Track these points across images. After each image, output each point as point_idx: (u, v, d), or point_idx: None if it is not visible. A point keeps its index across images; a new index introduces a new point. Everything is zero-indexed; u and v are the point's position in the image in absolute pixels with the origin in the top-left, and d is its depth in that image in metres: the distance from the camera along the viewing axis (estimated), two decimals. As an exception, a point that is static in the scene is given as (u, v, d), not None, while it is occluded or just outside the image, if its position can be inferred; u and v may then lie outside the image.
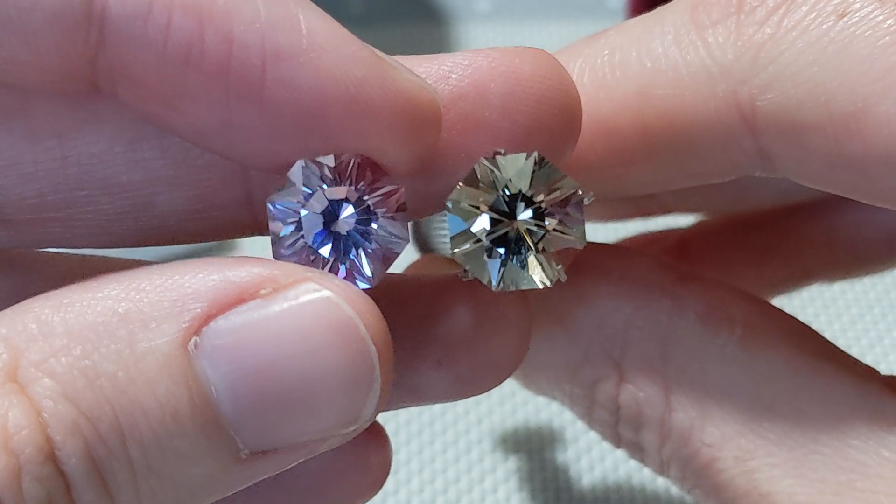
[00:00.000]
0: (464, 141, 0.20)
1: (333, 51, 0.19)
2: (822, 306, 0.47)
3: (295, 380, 0.18)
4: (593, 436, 0.42)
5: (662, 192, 0.31)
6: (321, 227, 0.20)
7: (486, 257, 0.20)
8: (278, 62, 0.18)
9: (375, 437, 0.24)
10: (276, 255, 0.20)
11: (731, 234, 0.33)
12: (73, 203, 0.21)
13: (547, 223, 0.20)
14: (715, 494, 0.24)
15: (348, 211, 0.20)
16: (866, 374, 0.23)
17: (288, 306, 0.18)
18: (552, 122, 0.21)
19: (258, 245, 0.20)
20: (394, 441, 0.37)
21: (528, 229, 0.20)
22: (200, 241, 0.22)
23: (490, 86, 0.20)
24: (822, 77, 0.20)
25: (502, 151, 0.20)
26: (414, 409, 0.42)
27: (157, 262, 0.19)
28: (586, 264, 0.25)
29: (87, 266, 0.23)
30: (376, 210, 0.20)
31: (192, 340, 0.18)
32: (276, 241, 0.20)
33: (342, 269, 0.20)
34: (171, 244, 0.22)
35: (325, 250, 0.20)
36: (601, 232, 0.44)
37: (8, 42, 0.18)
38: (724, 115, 0.22)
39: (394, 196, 0.20)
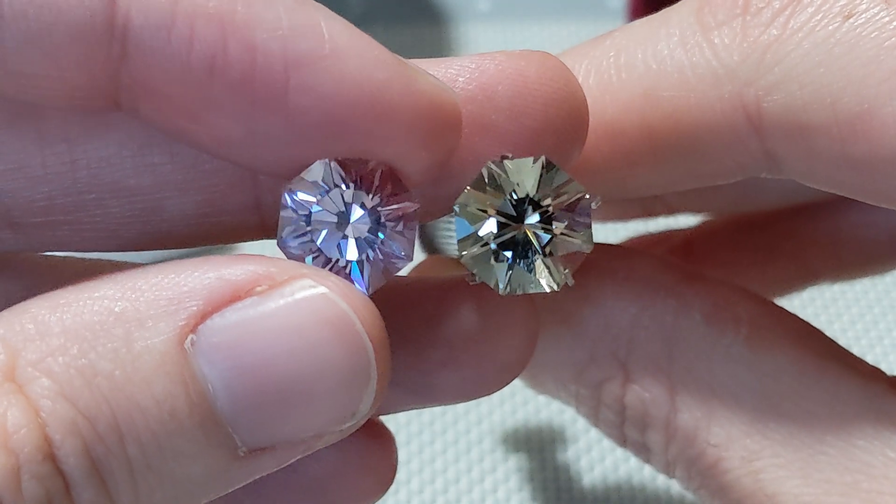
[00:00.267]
0: (471, 144, 0.20)
1: (356, 55, 0.19)
2: (822, 306, 0.47)
3: (292, 376, 0.18)
4: (593, 436, 0.42)
5: (667, 193, 0.31)
6: (330, 227, 0.20)
7: (493, 261, 0.20)
8: (301, 68, 0.18)
9: (381, 438, 0.24)
10: (280, 244, 0.20)
11: (735, 235, 0.33)
12: (82, 207, 0.21)
13: (554, 227, 0.20)
14: (721, 495, 0.24)
15: (360, 217, 0.20)
16: (872, 374, 0.23)
17: (284, 303, 0.18)
18: (559, 125, 0.21)
19: (265, 250, 0.20)
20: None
21: (535, 233, 0.20)
22: (208, 245, 0.22)
23: (497, 89, 0.20)
24: (828, 78, 0.20)
25: (510, 155, 0.20)
26: (414, 410, 0.42)
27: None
28: (592, 264, 0.25)
29: (94, 270, 0.23)
30: (386, 223, 0.20)
31: (189, 338, 0.18)
32: (284, 230, 0.20)
33: (341, 273, 0.20)
34: (179, 248, 0.22)
35: (328, 249, 0.20)
36: (605, 232, 0.44)
37: (30, 57, 0.18)
38: (729, 116, 0.22)
39: (407, 213, 0.20)
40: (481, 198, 0.20)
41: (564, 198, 0.20)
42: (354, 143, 0.19)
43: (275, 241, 0.20)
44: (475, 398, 0.23)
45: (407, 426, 0.42)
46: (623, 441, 0.26)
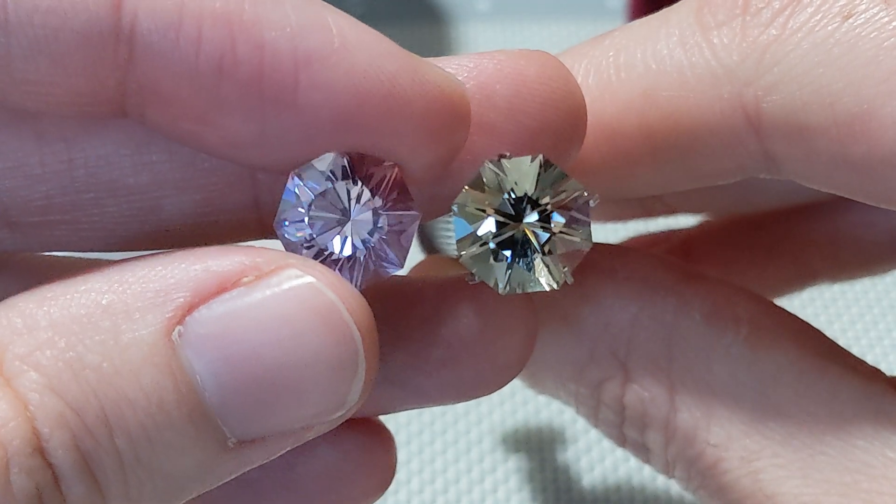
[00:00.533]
0: (469, 143, 0.20)
1: (365, 49, 0.19)
2: (822, 306, 0.47)
3: (279, 366, 0.18)
4: (593, 436, 0.42)
5: (667, 193, 0.31)
6: (329, 219, 0.20)
7: (492, 260, 0.20)
8: (311, 65, 0.18)
9: (380, 437, 0.24)
10: (276, 225, 0.20)
11: (735, 235, 0.33)
12: (80, 206, 0.21)
13: (553, 225, 0.20)
14: (720, 495, 0.24)
15: (361, 215, 0.20)
16: (871, 374, 0.23)
17: (270, 293, 0.18)
18: (557, 125, 0.21)
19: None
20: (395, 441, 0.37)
21: (534, 232, 0.20)
22: (207, 244, 0.22)
23: (495, 88, 0.20)
24: (827, 79, 0.20)
25: (507, 154, 0.20)
26: (414, 410, 0.42)
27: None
28: (591, 264, 0.25)
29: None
30: (385, 227, 0.20)
31: (176, 330, 0.18)
32: (283, 213, 0.20)
33: (330, 262, 0.20)
34: (177, 247, 0.22)
35: (323, 240, 0.20)
36: (605, 232, 0.44)
37: (36, 64, 0.18)
38: (728, 116, 0.22)
39: (408, 221, 0.20)
40: (479, 197, 0.20)
41: (563, 196, 0.20)
42: (365, 137, 0.19)
43: (274, 241, 0.20)
44: (475, 398, 0.23)
45: (407, 426, 0.42)
46: (622, 441, 0.26)
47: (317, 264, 0.19)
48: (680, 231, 0.34)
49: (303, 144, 0.19)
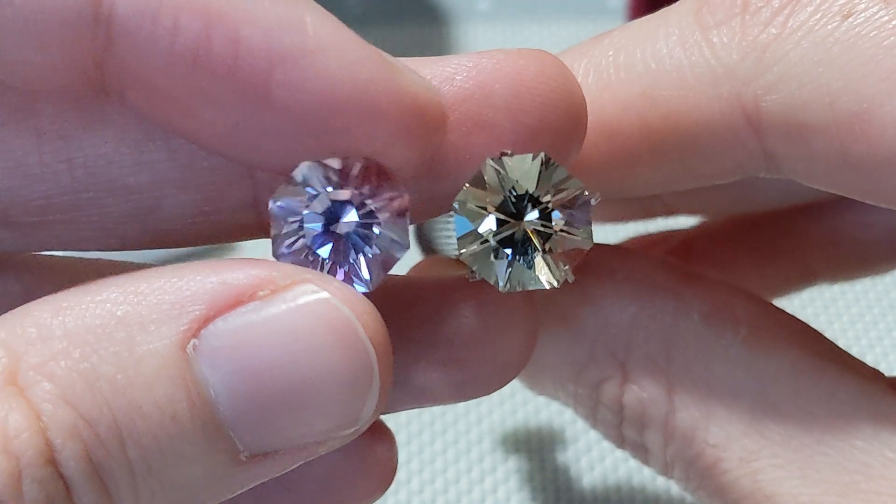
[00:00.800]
0: (469, 142, 0.20)
1: (339, 53, 0.18)
2: (821, 306, 0.47)
3: (294, 381, 0.18)
4: (593, 436, 0.42)
5: (666, 194, 0.31)
6: (322, 228, 0.20)
7: (493, 258, 0.20)
8: (285, 64, 0.18)
9: (381, 437, 0.24)
10: (276, 255, 0.20)
11: (734, 235, 0.33)
12: (79, 205, 0.21)
13: (554, 223, 0.20)
14: (719, 495, 0.24)
15: (350, 213, 0.20)
16: (871, 375, 0.23)
17: (286, 308, 0.18)
18: (557, 124, 0.21)
19: (262, 247, 0.20)
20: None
21: (534, 230, 0.20)
22: (207, 244, 0.22)
23: (495, 87, 0.20)
24: (826, 78, 0.20)
25: (509, 152, 0.20)
26: (414, 410, 0.42)
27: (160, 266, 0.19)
28: (590, 265, 0.25)
29: (93, 269, 0.23)
30: (378, 214, 0.20)
31: (191, 343, 0.18)
32: (277, 240, 0.20)
33: (340, 272, 0.20)
34: (177, 247, 0.22)
35: (325, 251, 0.20)
36: (604, 233, 0.44)
37: (16, 43, 0.18)
38: (728, 116, 0.21)
39: (397, 201, 0.20)
40: (480, 195, 0.20)
41: (564, 194, 0.20)
42: (339, 139, 0.19)
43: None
44: (475, 398, 0.23)
45: (407, 426, 0.42)
46: (621, 442, 0.26)
47: (332, 279, 0.19)
48: (679, 231, 0.34)
49: (277, 141, 0.19)
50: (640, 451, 0.26)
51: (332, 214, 0.20)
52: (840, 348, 0.24)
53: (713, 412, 0.23)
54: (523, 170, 0.20)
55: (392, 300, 0.23)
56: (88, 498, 0.17)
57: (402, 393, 0.23)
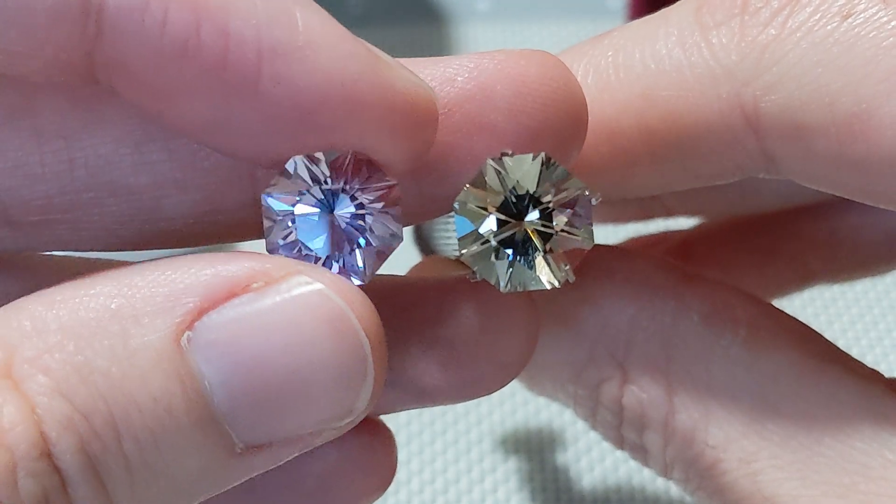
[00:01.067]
0: (470, 143, 0.20)
1: (329, 48, 0.18)
2: (821, 306, 0.47)
3: (288, 373, 0.18)
4: (593, 436, 0.42)
5: (665, 194, 0.31)
6: (314, 221, 0.20)
7: (494, 258, 0.20)
8: (274, 58, 0.18)
9: (381, 437, 0.24)
10: (270, 249, 0.20)
11: (733, 236, 0.33)
12: (80, 205, 0.21)
13: (554, 223, 0.20)
14: (719, 496, 0.24)
15: (342, 206, 0.20)
16: (870, 376, 0.23)
17: (280, 299, 0.18)
18: (558, 125, 0.21)
19: (262, 248, 0.20)
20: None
21: (535, 230, 0.20)
22: (207, 244, 0.22)
23: (496, 88, 0.20)
24: (826, 78, 0.20)
25: (509, 152, 0.20)
26: (414, 410, 0.42)
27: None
28: (590, 265, 0.25)
29: (94, 270, 0.23)
30: (370, 206, 0.20)
31: (185, 335, 0.18)
32: (270, 235, 0.20)
33: (335, 265, 0.20)
34: (177, 247, 0.22)
35: (318, 244, 0.20)
36: (604, 233, 0.44)
37: (6, 33, 0.18)
38: (727, 116, 0.21)
39: (388, 192, 0.20)
40: (481, 195, 0.20)
41: (565, 194, 0.20)
42: (328, 134, 0.19)
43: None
44: (475, 398, 0.23)
45: (407, 426, 0.42)
46: (621, 443, 0.26)
47: (325, 270, 0.19)
48: (678, 232, 0.34)
49: (266, 135, 0.19)
50: (640, 452, 0.26)
51: (324, 207, 0.20)
52: (839, 349, 0.24)
53: (712, 413, 0.23)
54: (524, 170, 0.20)
55: (392, 301, 0.23)
56: (84, 491, 0.17)
57: (402, 393, 0.23)
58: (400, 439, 0.41)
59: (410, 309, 0.23)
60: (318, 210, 0.20)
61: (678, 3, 0.23)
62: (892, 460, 0.22)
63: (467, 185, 0.20)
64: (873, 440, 0.22)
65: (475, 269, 0.20)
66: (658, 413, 0.24)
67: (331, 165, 0.19)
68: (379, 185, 0.20)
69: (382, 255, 0.20)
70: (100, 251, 0.22)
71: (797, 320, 0.25)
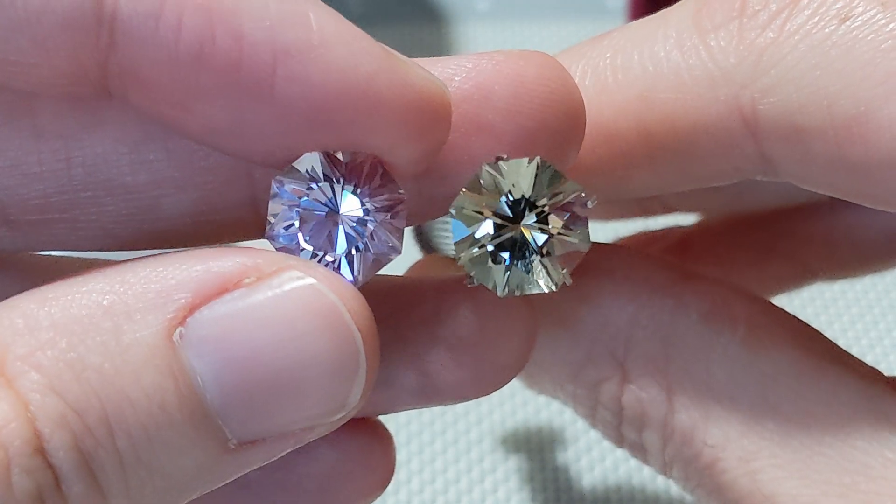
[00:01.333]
0: (467, 143, 0.20)
1: (343, 46, 0.18)
2: (821, 306, 0.47)
3: (280, 367, 0.18)
4: (593, 436, 0.42)
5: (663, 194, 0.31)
6: (319, 217, 0.20)
7: (490, 263, 0.20)
8: (288, 58, 0.18)
9: (379, 437, 0.24)
10: (269, 236, 0.20)
11: (732, 233, 0.33)
12: (78, 204, 0.21)
13: (551, 227, 0.20)
14: (718, 495, 0.24)
15: (349, 207, 0.20)
16: (870, 375, 0.23)
17: (272, 294, 0.18)
18: (556, 125, 0.21)
19: (260, 248, 0.20)
20: (394, 441, 0.37)
21: (532, 233, 0.20)
22: (205, 244, 0.22)
23: (494, 88, 0.20)
24: (824, 81, 0.20)
25: (504, 156, 0.20)
26: (414, 410, 0.42)
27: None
28: (589, 264, 0.25)
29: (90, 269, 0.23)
30: (376, 214, 0.20)
31: (178, 331, 0.18)
32: (273, 222, 0.20)
33: (329, 264, 0.20)
34: (175, 247, 0.22)
35: (318, 240, 0.20)
36: (602, 231, 0.44)
37: (18, 44, 0.18)
38: (725, 119, 0.21)
39: (396, 204, 0.20)
40: (477, 200, 0.20)
41: (560, 197, 0.20)
42: (343, 133, 0.19)
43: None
44: (473, 398, 0.23)
45: (407, 426, 0.42)
46: (620, 441, 0.26)
47: (317, 265, 0.19)
48: (677, 229, 0.34)
49: (282, 136, 0.19)
50: (640, 451, 0.26)
51: (331, 206, 0.20)
52: (840, 348, 0.24)
53: (712, 412, 0.23)
54: (520, 173, 0.20)
55: (389, 301, 0.23)
56: (78, 487, 0.17)
57: (399, 393, 0.23)
58: (400, 439, 0.41)
59: (408, 309, 0.23)
60: (324, 207, 0.20)
61: (676, 5, 0.23)
62: (892, 459, 0.22)
63: (463, 190, 0.20)
64: (873, 439, 0.22)
65: (472, 273, 0.20)
66: (657, 412, 0.24)
67: (346, 165, 0.20)
68: (389, 194, 0.20)
69: (378, 263, 0.20)
70: (97, 251, 0.22)
71: (797, 318, 0.25)
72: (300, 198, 0.20)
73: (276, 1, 0.18)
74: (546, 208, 0.20)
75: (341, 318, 0.18)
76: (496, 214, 0.20)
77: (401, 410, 0.24)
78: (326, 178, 0.19)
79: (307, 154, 0.19)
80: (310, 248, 0.20)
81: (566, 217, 0.20)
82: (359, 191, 0.20)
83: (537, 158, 0.20)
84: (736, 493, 0.23)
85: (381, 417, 0.25)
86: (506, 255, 0.20)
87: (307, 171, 0.19)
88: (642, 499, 0.40)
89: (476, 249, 0.20)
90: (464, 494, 0.40)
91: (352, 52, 0.19)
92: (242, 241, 0.23)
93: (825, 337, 0.24)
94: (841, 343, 0.24)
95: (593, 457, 0.41)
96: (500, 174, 0.20)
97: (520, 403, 0.43)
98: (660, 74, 0.22)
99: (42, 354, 0.17)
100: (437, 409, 0.43)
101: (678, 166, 0.23)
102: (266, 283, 0.18)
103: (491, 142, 0.20)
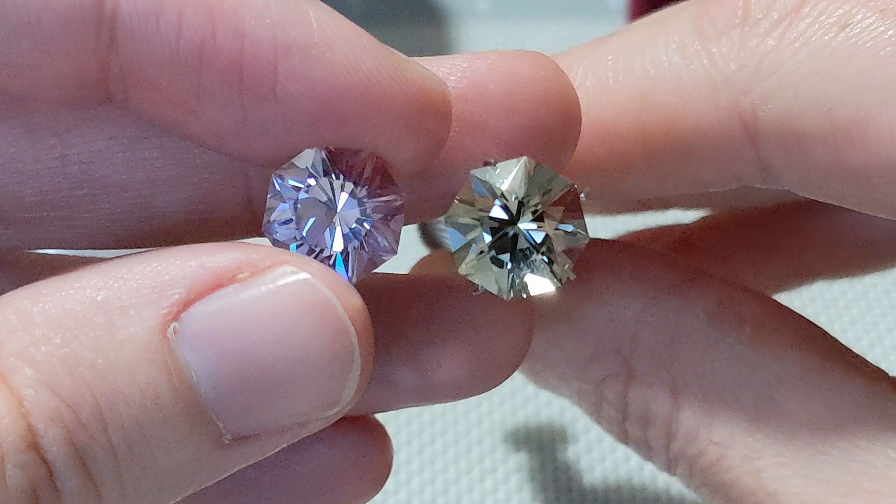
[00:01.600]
0: (462, 142, 0.20)
1: (345, 43, 0.19)
2: (822, 306, 0.47)
3: (275, 362, 0.18)
4: (593, 436, 0.42)
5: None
6: (317, 212, 0.20)
7: (492, 267, 0.20)
8: (290, 56, 0.18)
9: (376, 435, 0.24)
10: (265, 229, 0.20)
11: (733, 231, 0.33)
12: (73, 202, 0.21)
13: (547, 224, 0.20)
14: (722, 493, 0.24)
15: (347, 206, 0.20)
16: (875, 375, 0.23)
17: (266, 289, 0.18)
18: (551, 124, 0.21)
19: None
20: (394, 441, 0.37)
21: (529, 233, 0.20)
22: (200, 243, 0.22)
23: (489, 87, 0.20)
24: (823, 87, 0.20)
25: (492, 161, 0.20)
26: (414, 410, 0.42)
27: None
28: (596, 262, 0.25)
29: None
30: (373, 215, 0.20)
31: (172, 326, 0.18)
32: (270, 216, 0.20)
33: (325, 260, 0.20)
34: (171, 245, 0.22)
35: (314, 236, 0.20)
36: (604, 230, 0.44)
37: (19, 46, 0.18)
38: (725, 124, 0.22)
39: (394, 206, 0.20)
40: (471, 207, 0.20)
41: (552, 193, 0.20)
42: (344, 130, 0.19)
43: (265, 240, 0.20)
44: (470, 396, 0.23)
45: (407, 426, 0.42)
46: (625, 438, 0.26)
47: (312, 261, 0.19)
48: (678, 227, 0.34)
49: (283, 135, 0.19)
50: (644, 448, 0.26)
51: (331, 203, 0.20)
52: (845, 347, 0.24)
53: (717, 410, 0.23)
54: (509, 176, 0.20)
55: (386, 299, 0.23)
56: (72, 482, 0.17)
57: (397, 391, 0.23)
58: (400, 439, 0.41)
59: (404, 307, 0.23)
60: (322, 204, 0.20)
61: (677, 11, 0.23)
62: (895, 459, 0.22)
63: (456, 200, 0.20)
64: (877, 439, 0.22)
65: (476, 281, 0.20)
66: (662, 409, 0.24)
67: (347, 164, 0.20)
68: (388, 196, 0.20)
69: (372, 264, 0.20)
70: (93, 248, 0.22)
71: (803, 318, 0.24)
72: (299, 193, 0.20)
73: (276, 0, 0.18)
74: (540, 206, 0.20)
75: (335, 313, 0.18)
76: (491, 219, 0.20)
77: (398, 408, 0.24)
78: (326, 174, 0.19)
79: (307, 150, 0.19)
80: (305, 242, 0.20)
81: (561, 212, 0.20)
82: (358, 190, 0.20)
83: (524, 158, 0.20)
84: (739, 491, 0.23)
85: (382, 418, 0.25)
86: (506, 257, 0.20)
87: (307, 168, 0.19)
88: (642, 499, 0.40)
89: (476, 256, 0.20)
90: (464, 495, 0.40)
91: (353, 48, 0.19)
92: (237, 239, 0.23)
93: (831, 336, 0.24)
94: (841, 343, 0.24)
95: (593, 457, 0.41)
96: (491, 178, 0.20)
97: (520, 403, 0.43)
98: (661, 78, 0.22)
99: (36, 350, 0.17)
100: (437, 410, 0.43)
101: (676, 170, 0.23)
102: (260, 277, 0.18)
103: (485, 141, 0.20)
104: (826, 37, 0.20)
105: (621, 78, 0.23)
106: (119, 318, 0.18)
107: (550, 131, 0.21)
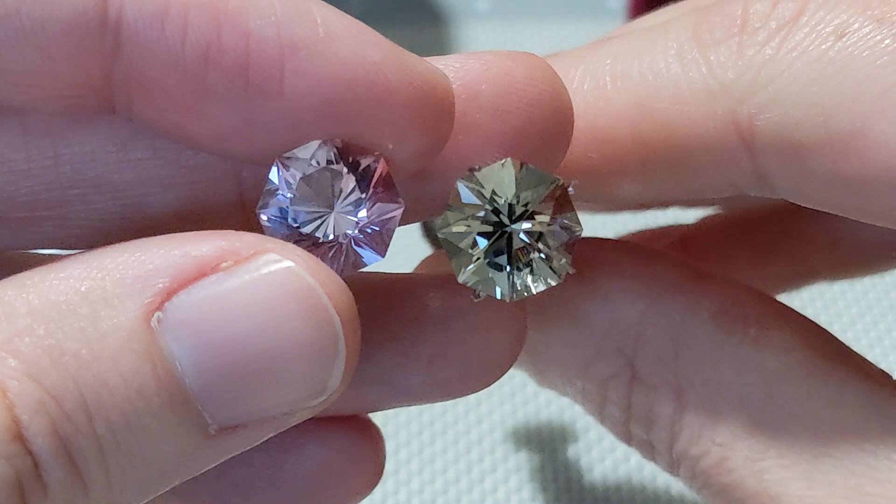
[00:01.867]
0: (455, 143, 0.20)
1: (349, 38, 0.19)
2: (822, 307, 0.47)
3: (259, 351, 0.18)
4: (593, 436, 0.42)
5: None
6: (313, 204, 0.20)
7: (491, 272, 0.20)
8: (296, 53, 0.18)
9: (369, 435, 0.24)
10: (259, 209, 0.20)
11: (734, 232, 0.33)
12: (66, 202, 0.21)
13: (539, 221, 0.20)
14: (724, 494, 0.24)
15: (345, 204, 0.20)
16: (879, 377, 0.23)
17: (249, 278, 0.18)
18: (543, 125, 0.21)
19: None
20: (394, 441, 0.37)
21: (523, 233, 0.20)
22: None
23: (481, 87, 0.20)
24: (820, 96, 0.20)
25: (477, 167, 0.20)
26: (414, 410, 0.42)
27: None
28: (599, 261, 0.25)
29: None
30: (368, 217, 0.20)
31: (156, 316, 0.18)
32: (266, 199, 0.20)
33: (311, 249, 0.20)
34: None
35: (306, 224, 0.20)
36: (603, 230, 0.44)
37: (23, 54, 0.18)
38: (722, 132, 0.22)
39: (391, 213, 0.20)
40: (461, 215, 0.20)
41: (541, 190, 0.20)
42: (351, 126, 0.19)
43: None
44: (463, 395, 0.23)
45: (407, 426, 0.42)
46: (628, 438, 0.26)
47: (296, 248, 0.19)
48: (679, 227, 0.34)
49: (288, 134, 0.19)
50: (647, 448, 0.26)
51: (329, 197, 0.20)
52: (849, 349, 0.24)
53: (720, 411, 0.23)
54: (496, 179, 0.20)
55: (380, 297, 0.23)
56: (57, 474, 0.17)
57: (390, 391, 0.23)
58: (400, 439, 0.41)
59: (398, 306, 0.23)
60: (321, 193, 0.20)
61: (677, 18, 0.23)
62: None
63: (447, 210, 0.20)
64: (881, 442, 0.22)
65: (476, 288, 0.20)
66: (666, 409, 0.24)
67: (353, 160, 0.19)
68: (387, 203, 0.20)
69: (356, 265, 0.20)
70: (85, 249, 0.22)
71: (807, 319, 0.24)
72: (298, 182, 0.19)
73: None
74: (530, 205, 0.20)
75: (319, 301, 0.18)
76: (484, 223, 0.20)
77: (390, 408, 0.24)
78: (327, 168, 0.19)
79: (315, 141, 0.19)
80: (296, 228, 0.20)
81: (551, 208, 0.20)
82: (359, 190, 0.20)
83: (508, 159, 0.20)
84: (742, 492, 0.23)
85: (382, 417, 0.25)
86: (503, 259, 0.20)
87: (311, 159, 0.19)
88: (642, 499, 0.40)
89: (473, 263, 0.20)
90: (464, 495, 0.40)
91: (358, 43, 0.19)
92: None
93: (835, 338, 0.24)
94: (841, 343, 0.24)
95: (594, 457, 0.41)
96: (478, 184, 0.20)
97: (520, 404, 0.43)
98: (659, 84, 0.22)
99: (20, 341, 0.17)
100: (436, 410, 0.43)
101: (671, 176, 0.23)
102: (244, 266, 0.18)
103: (478, 141, 0.20)
104: (823, 46, 0.20)
105: (619, 83, 0.23)
106: (103, 309, 0.18)
107: (543, 132, 0.21)
